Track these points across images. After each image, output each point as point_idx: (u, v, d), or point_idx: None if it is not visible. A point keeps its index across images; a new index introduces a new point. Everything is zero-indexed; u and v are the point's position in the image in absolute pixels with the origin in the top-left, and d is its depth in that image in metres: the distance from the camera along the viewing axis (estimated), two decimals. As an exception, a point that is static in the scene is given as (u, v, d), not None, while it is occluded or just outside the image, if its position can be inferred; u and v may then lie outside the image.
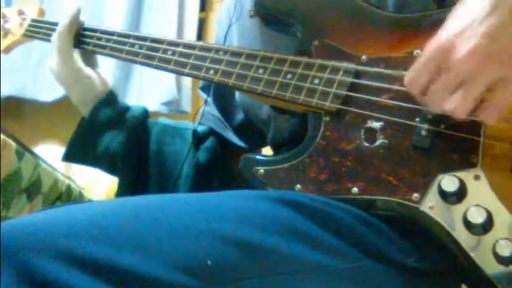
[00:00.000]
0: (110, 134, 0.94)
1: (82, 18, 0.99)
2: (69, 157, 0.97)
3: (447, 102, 0.60)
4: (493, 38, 0.56)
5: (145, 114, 0.98)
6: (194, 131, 0.97)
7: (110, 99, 0.96)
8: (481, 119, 0.60)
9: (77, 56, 0.95)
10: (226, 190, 0.67)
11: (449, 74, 0.58)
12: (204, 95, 1.04)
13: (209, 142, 0.99)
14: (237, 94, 0.97)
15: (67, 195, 1.40)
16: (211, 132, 1.00)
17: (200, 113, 1.00)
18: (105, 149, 0.94)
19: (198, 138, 0.98)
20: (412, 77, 0.62)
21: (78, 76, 0.94)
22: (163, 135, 0.97)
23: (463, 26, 0.58)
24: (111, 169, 0.98)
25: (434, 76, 0.60)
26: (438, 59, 0.59)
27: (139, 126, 0.96)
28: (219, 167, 1.00)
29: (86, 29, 0.98)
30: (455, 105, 0.59)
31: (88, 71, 0.96)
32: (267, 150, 0.99)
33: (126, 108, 0.97)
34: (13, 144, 1.17)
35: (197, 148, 0.98)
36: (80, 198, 1.46)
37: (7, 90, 2.16)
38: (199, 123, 1.00)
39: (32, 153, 1.27)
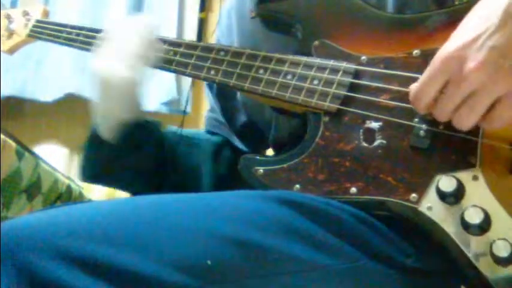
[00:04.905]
0: (132, 155, 0.86)
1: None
2: (87, 178, 0.90)
3: (454, 114, 0.60)
4: (502, 52, 0.56)
5: (159, 130, 0.92)
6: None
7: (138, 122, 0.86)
8: (485, 128, 0.61)
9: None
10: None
11: (458, 85, 0.58)
12: (209, 94, 1.03)
13: (226, 151, 0.97)
14: (239, 94, 0.97)
15: (67, 195, 1.40)
16: (226, 141, 0.98)
17: (204, 118, 0.97)
18: (126, 170, 0.87)
19: (216, 150, 0.96)
20: (420, 89, 0.62)
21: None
22: (178, 147, 0.93)
23: (473, 37, 0.57)
24: (128, 187, 0.94)
25: (443, 88, 0.60)
26: (448, 70, 0.59)
27: (158, 146, 0.90)
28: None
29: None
30: (463, 117, 0.60)
31: None
32: (268, 151, 1.00)
33: (147, 127, 0.88)
34: (13, 144, 1.18)
35: (217, 159, 0.95)
36: (80, 198, 1.47)
37: (7, 90, 2.16)
38: (207, 131, 0.98)
39: (32, 153, 1.27)
